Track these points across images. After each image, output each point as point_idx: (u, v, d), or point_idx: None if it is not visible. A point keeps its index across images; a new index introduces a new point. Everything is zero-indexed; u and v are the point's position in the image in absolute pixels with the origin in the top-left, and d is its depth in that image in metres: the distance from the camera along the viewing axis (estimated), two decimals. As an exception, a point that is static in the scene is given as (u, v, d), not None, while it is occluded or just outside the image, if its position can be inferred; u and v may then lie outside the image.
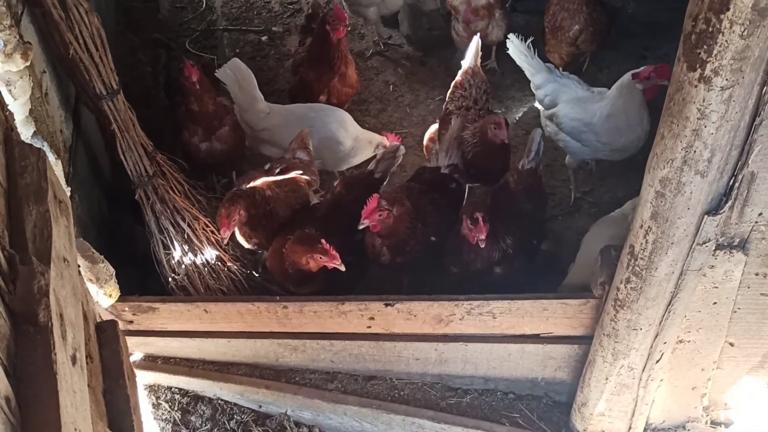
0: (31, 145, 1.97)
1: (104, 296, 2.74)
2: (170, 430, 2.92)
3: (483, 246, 2.71)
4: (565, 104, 3.57)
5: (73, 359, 1.57)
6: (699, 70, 1.81)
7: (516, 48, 3.77)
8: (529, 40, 3.81)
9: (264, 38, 5.33)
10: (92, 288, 2.69)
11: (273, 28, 5.40)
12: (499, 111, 4.34)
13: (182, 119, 3.62)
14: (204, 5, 5.63)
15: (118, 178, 3.42)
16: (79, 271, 2.51)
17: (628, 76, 3.39)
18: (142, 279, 3.23)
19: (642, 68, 3.37)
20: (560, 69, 4.38)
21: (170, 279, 3.05)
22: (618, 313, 2.40)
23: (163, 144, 3.37)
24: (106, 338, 2.51)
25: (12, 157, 1.87)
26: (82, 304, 2.31)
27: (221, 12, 5.60)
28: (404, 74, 4.85)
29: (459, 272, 2.93)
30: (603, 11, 4.28)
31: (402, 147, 3.48)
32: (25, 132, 2.36)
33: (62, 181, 2.54)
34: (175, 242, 3.01)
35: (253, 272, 3.31)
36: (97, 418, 1.95)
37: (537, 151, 3.18)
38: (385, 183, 3.32)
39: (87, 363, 2.07)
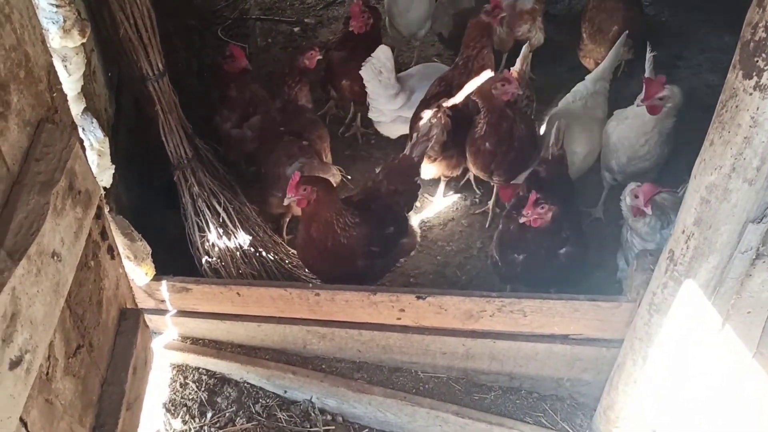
0: (64, 131, 1.97)
1: (141, 274, 2.78)
2: (197, 410, 2.95)
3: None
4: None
5: (15, 363, 1.52)
6: (755, 78, 1.82)
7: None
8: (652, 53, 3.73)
9: (296, 29, 5.37)
10: (129, 265, 2.72)
11: (306, 20, 5.43)
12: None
13: (215, 105, 3.66)
14: (237, -7, 5.68)
15: (152, 160, 3.47)
16: (115, 255, 2.53)
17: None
18: (172, 262, 3.27)
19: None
20: (592, 73, 4.43)
21: (204, 261, 3.08)
22: (652, 318, 2.41)
23: (194, 129, 3.41)
24: (125, 327, 2.52)
25: (37, 141, 1.86)
26: (102, 290, 2.33)
27: (254, 1, 5.64)
28: (435, 72, 4.88)
29: (525, 259, 2.98)
30: (640, 13, 4.30)
31: (435, 127, 3.38)
32: (76, 108, 2.39)
33: (107, 159, 2.58)
34: (210, 225, 3.04)
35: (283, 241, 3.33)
36: (68, 414, 1.93)
37: (560, 138, 3.28)
38: (422, 167, 3.29)
39: (81, 353, 2.07)
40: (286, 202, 2.77)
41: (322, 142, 3.61)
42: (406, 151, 3.25)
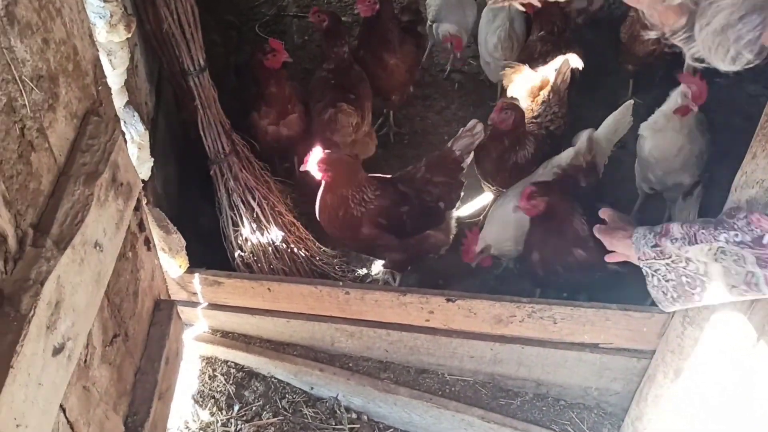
0: (108, 124, 2.01)
1: (174, 266, 2.82)
2: (224, 402, 2.99)
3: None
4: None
5: (58, 350, 1.55)
6: (803, 92, 1.78)
7: None
8: None
9: (333, 27, 5.38)
10: (164, 257, 2.77)
11: (342, 18, 5.44)
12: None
13: (253, 101, 3.69)
14: (276, -10, 5.71)
15: (189, 153, 3.52)
16: (151, 246, 2.58)
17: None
18: (205, 254, 3.31)
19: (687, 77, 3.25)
20: (632, 81, 4.38)
21: (236, 255, 3.12)
22: (686, 330, 2.38)
23: (230, 124, 3.44)
24: (159, 317, 2.58)
25: (82, 133, 1.91)
26: (138, 281, 2.38)
27: (292, -2, 5.68)
28: (470, 73, 4.86)
29: (540, 258, 2.99)
30: None
31: (480, 124, 3.28)
32: (119, 102, 2.44)
33: (147, 152, 2.62)
34: (244, 219, 3.08)
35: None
36: (104, 402, 1.98)
37: (591, 147, 3.29)
38: (466, 162, 3.24)
39: (117, 342, 2.11)
40: (301, 169, 2.92)
41: (366, 99, 3.74)
42: (449, 144, 3.24)
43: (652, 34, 1.24)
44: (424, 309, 2.81)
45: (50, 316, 1.53)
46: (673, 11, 1.08)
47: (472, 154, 3.26)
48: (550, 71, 3.68)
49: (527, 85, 3.72)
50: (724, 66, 1.10)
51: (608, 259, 2.22)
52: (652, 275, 1.96)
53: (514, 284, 3.48)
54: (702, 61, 1.10)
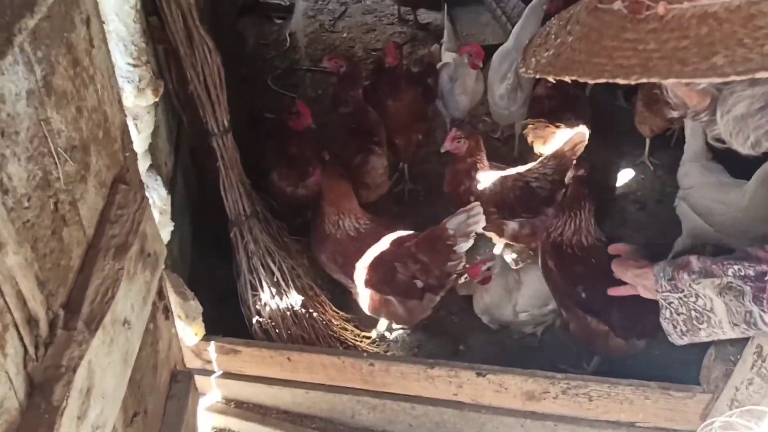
0: (136, 192, 1.93)
1: (190, 334, 2.70)
2: (238, 478, 2.83)
3: None
4: (703, 186, 3.41)
5: None
6: None
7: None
8: None
9: (346, 82, 5.36)
10: (179, 324, 2.65)
11: (355, 64, 5.44)
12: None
13: (271, 159, 3.62)
14: (288, 44, 5.72)
15: (205, 214, 3.43)
16: (169, 315, 2.47)
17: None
18: (218, 317, 3.18)
19: None
20: (648, 140, 4.35)
21: (255, 321, 2.99)
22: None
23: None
24: (177, 390, 2.47)
25: (111, 202, 1.83)
26: (157, 353, 2.27)
27: (305, 52, 5.67)
28: (485, 131, 4.82)
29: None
30: None
31: (480, 207, 2.94)
32: (142, 166, 2.36)
33: (168, 216, 2.53)
34: (263, 283, 2.97)
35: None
36: None
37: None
38: (460, 248, 2.94)
39: (137, 421, 2.00)
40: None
41: (384, 141, 3.80)
42: (444, 221, 2.94)
43: (674, 114, 1.28)
44: (453, 383, 2.68)
45: (81, 405, 1.43)
46: (697, 94, 1.11)
47: (470, 242, 2.96)
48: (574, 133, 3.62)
49: (555, 142, 3.66)
50: (744, 150, 1.16)
51: (611, 292, 2.23)
52: (666, 308, 1.96)
53: (537, 352, 3.36)
54: (723, 142, 1.14)
